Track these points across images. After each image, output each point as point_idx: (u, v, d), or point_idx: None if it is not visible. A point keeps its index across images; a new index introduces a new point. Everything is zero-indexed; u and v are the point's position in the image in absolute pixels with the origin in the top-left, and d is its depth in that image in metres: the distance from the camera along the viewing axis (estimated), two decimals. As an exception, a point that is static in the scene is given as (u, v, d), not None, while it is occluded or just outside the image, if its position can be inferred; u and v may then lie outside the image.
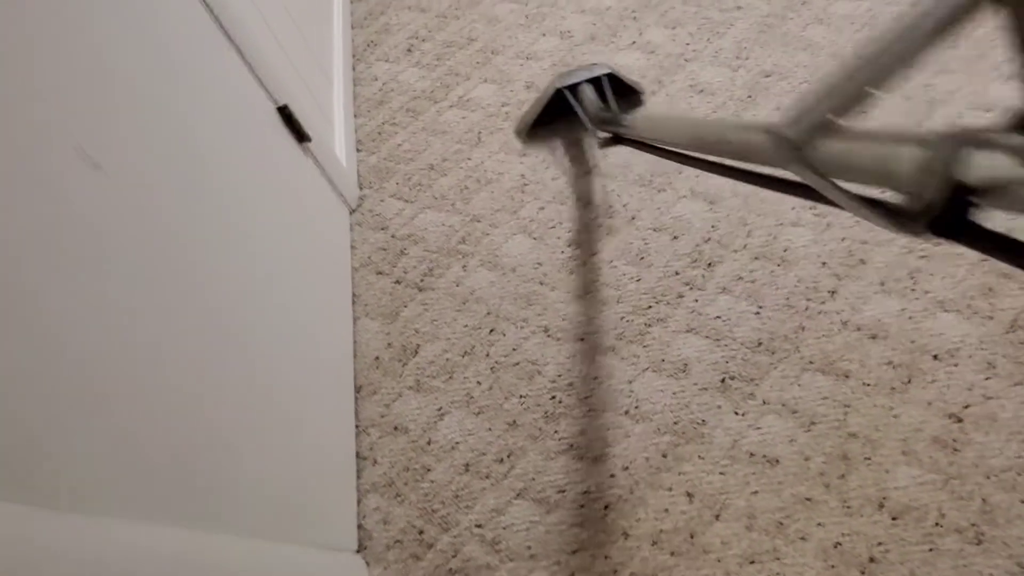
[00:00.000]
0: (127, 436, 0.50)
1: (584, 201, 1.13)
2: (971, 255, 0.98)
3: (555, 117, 1.06)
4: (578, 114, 1.02)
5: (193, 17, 0.77)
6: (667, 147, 0.75)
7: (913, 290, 0.97)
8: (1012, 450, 0.84)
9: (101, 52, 0.58)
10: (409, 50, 1.41)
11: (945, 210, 0.34)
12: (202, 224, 0.69)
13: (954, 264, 0.98)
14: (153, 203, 0.60)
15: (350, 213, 1.20)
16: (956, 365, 0.90)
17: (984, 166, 0.31)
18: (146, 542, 0.50)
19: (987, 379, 0.89)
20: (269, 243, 0.88)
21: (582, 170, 1.17)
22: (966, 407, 0.87)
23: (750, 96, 1.21)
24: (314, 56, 1.23)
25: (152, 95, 0.64)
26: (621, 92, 1.08)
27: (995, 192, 0.31)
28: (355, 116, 1.33)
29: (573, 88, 1.06)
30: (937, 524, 0.81)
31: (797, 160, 0.40)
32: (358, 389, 1.02)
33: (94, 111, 0.54)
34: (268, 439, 0.75)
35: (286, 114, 0.96)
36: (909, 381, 0.90)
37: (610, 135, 0.91)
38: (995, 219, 0.31)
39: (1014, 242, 0.33)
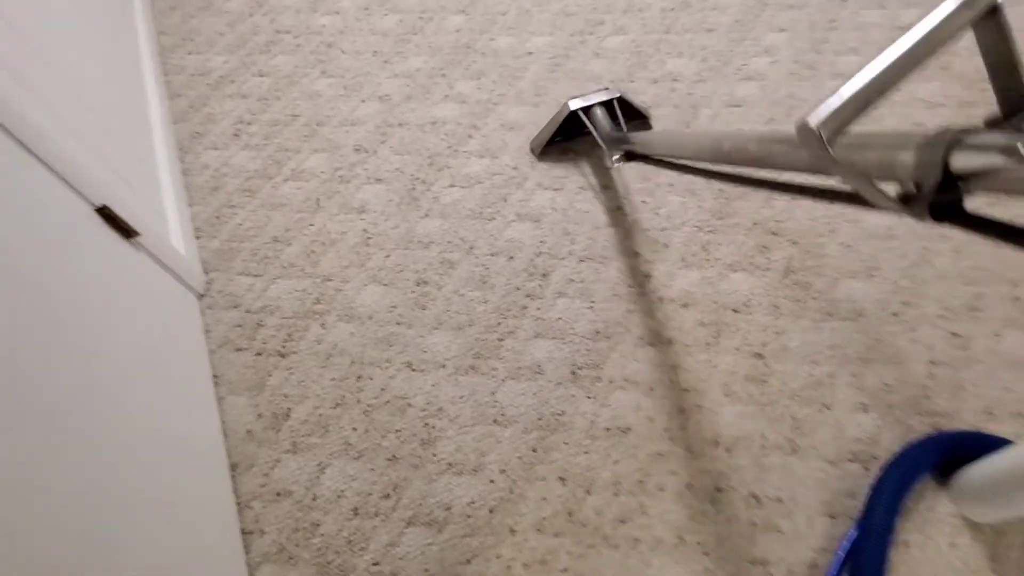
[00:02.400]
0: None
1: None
2: (745, 222, 1.18)
3: (568, 136, 1.28)
4: (592, 134, 1.19)
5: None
6: (683, 161, 0.86)
7: (707, 260, 1.14)
8: (804, 371, 1.01)
9: None
10: (236, 135, 1.45)
11: (942, 197, 0.41)
12: (32, 339, 0.69)
13: (734, 232, 1.17)
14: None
15: (199, 298, 1.20)
16: (751, 314, 1.08)
17: (970, 158, 0.39)
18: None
19: (776, 319, 1.07)
20: (109, 343, 0.87)
21: (600, 184, 1.27)
22: (764, 345, 1.04)
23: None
24: (135, 154, 1.25)
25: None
26: (629, 115, 1.26)
27: (980, 178, 0.39)
28: (190, 205, 1.35)
29: (586, 110, 1.22)
30: (762, 446, 0.95)
31: (827, 156, 0.45)
32: (234, 467, 1.02)
33: None
34: (142, 538, 0.74)
35: (107, 214, 0.98)
36: (718, 335, 1.06)
37: (624, 153, 1.06)
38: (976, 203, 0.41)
39: (997, 223, 0.41)
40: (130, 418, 0.84)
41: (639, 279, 1.14)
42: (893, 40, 0.45)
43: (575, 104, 1.24)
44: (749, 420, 0.98)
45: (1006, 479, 0.80)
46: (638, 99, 1.32)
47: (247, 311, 1.18)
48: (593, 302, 1.12)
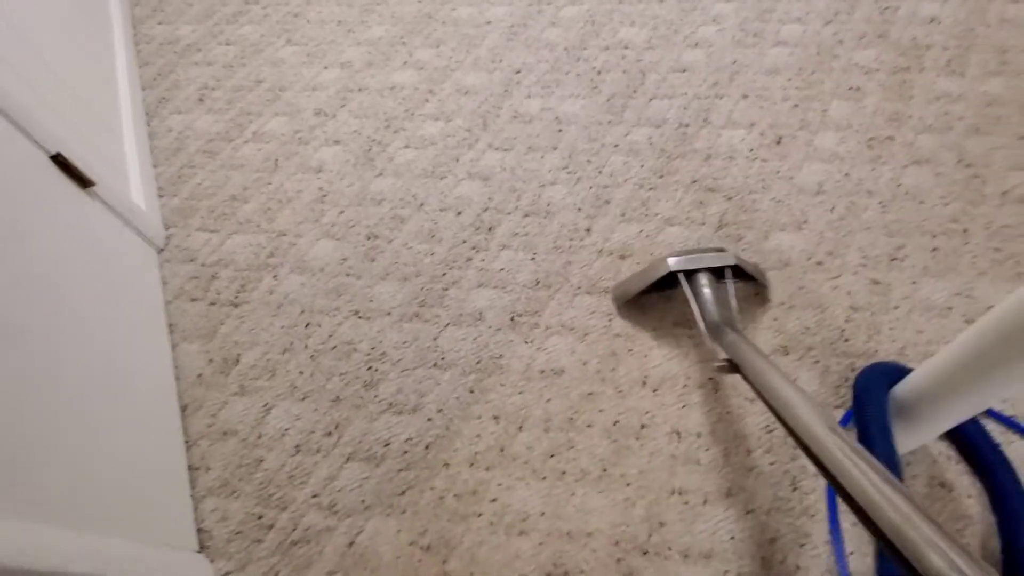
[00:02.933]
0: None
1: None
2: (684, 179, 1.23)
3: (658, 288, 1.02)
4: (692, 310, 0.95)
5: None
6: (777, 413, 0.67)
7: (646, 215, 1.19)
8: (731, 316, 1.05)
9: None
10: (201, 99, 1.49)
11: None
12: None
13: (673, 189, 1.21)
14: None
15: (158, 252, 1.25)
16: (684, 263, 1.12)
17: None
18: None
19: (757, 291, 1.11)
20: (65, 285, 0.91)
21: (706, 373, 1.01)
22: (740, 311, 1.08)
23: (506, 90, 1.42)
24: (101, 118, 1.28)
25: None
26: (739, 275, 1.02)
27: None
28: (154, 166, 1.38)
29: (689, 273, 0.97)
30: (685, 385, 1.00)
31: None
32: (184, 408, 1.06)
33: None
34: (92, 468, 0.79)
35: (61, 161, 1.01)
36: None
37: (727, 361, 0.83)
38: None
39: None
40: (86, 359, 0.88)
41: (580, 232, 1.18)
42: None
43: (675, 264, 0.99)
44: (675, 362, 1.02)
45: (906, 405, 0.84)
46: (751, 261, 1.08)
47: (203, 264, 1.22)
48: (535, 254, 1.17)
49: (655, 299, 1.08)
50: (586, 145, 1.30)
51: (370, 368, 1.07)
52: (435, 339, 1.09)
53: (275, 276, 1.19)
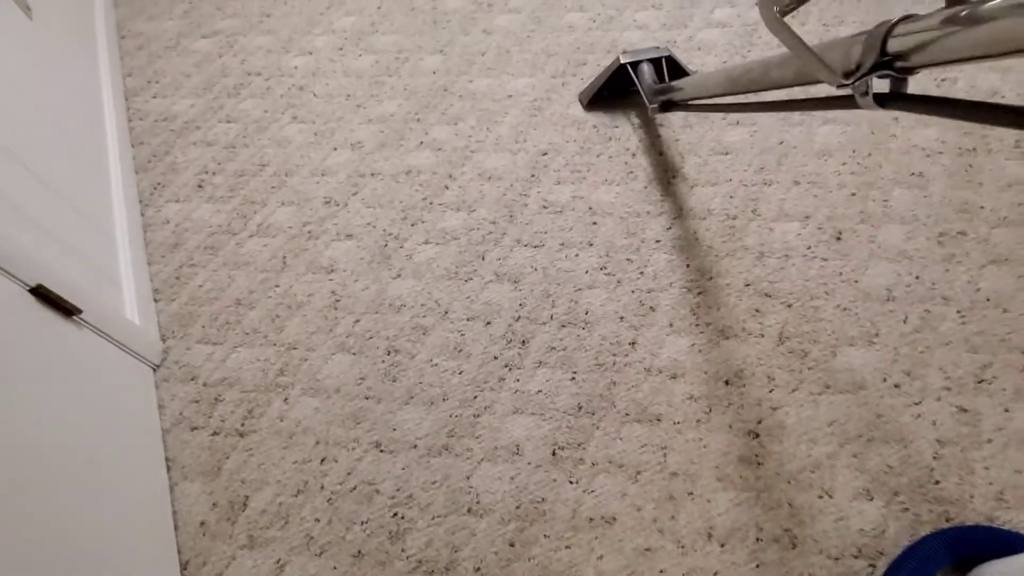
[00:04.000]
0: None
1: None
2: (736, 282, 1.11)
3: (614, 91, 1.35)
4: (638, 87, 1.27)
5: None
6: (709, 102, 0.95)
7: (697, 325, 1.07)
8: (802, 451, 0.94)
9: None
10: (200, 186, 1.38)
11: (883, 81, 0.50)
12: None
13: (724, 294, 1.10)
14: None
15: (154, 370, 1.12)
16: (744, 386, 1.00)
17: (905, 40, 0.47)
18: None
19: (770, 392, 0.99)
20: (49, 430, 0.79)
21: (646, 138, 1.32)
22: (759, 422, 0.97)
23: (533, 175, 1.31)
24: (88, 215, 1.17)
25: None
26: (676, 73, 1.33)
27: (918, 53, 0.46)
28: (149, 264, 1.27)
29: (634, 64, 1.30)
30: (758, 539, 0.88)
31: (777, 23, 0.58)
32: (184, 565, 0.93)
33: None
34: None
35: (42, 294, 0.90)
36: (710, 411, 0.99)
37: (661, 103, 1.14)
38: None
39: (939, 98, 0.48)
40: (72, 512, 0.76)
41: (624, 347, 1.06)
42: None
43: (625, 58, 1.31)
44: (744, 509, 0.90)
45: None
46: (685, 60, 1.38)
47: (205, 384, 1.10)
48: (575, 372, 1.05)
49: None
50: (624, 241, 1.19)
51: (395, 515, 0.94)
52: (468, 478, 0.97)
53: (286, 399, 1.07)
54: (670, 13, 1.58)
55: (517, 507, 0.94)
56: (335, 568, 0.91)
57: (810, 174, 1.23)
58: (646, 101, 1.21)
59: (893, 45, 0.48)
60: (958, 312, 1.04)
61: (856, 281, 1.09)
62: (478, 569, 0.89)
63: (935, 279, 1.07)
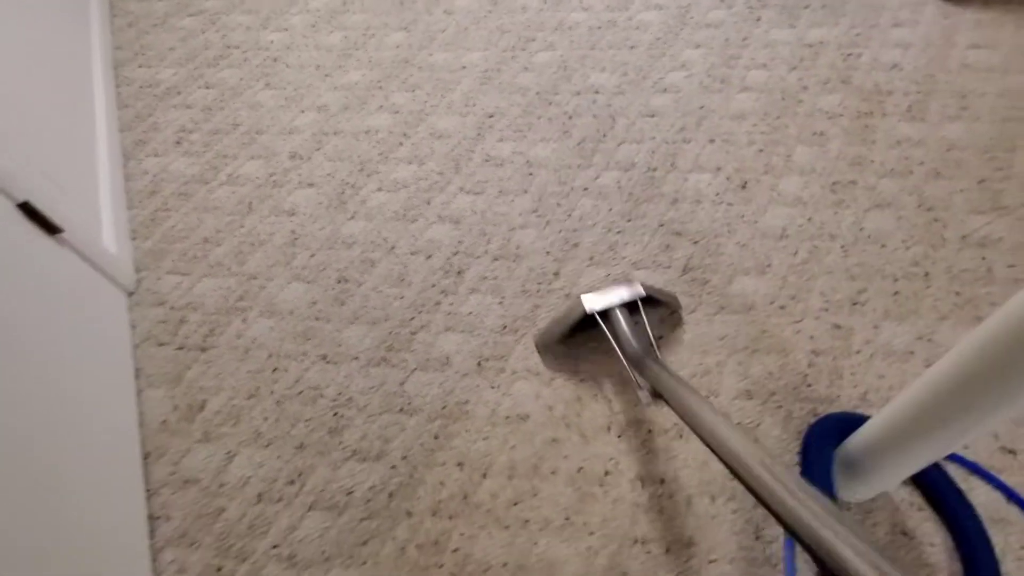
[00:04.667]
0: None
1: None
2: (652, 223, 1.24)
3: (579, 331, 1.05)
4: (613, 345, 1.00)
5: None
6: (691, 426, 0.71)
7: (614, 259, 1.20)
8: (695, 360, 1.06)
9: None
10: (178, 142, 1.51)
11: None
12: None
13: (641, 233, 1.23)
14: None
15: (128, 296, 1.25)
16: (649, 307, 1.13)
17: None
18: None
19: (671, 312, 1.12)
20: (30, 332, 0.91)
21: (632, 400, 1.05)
22: (660, 337, 1.09)
23: (479, 134, 1.44)
24: (75, 160, 1.30)
25: None
26: (654, 306, 1.08)
27: None
28: (128, 209, 1.39)
29: (604, 313, 1.02)
30: (649, 431, 1.00)
31: None
32: (146, 455, 1.05)
33: None
34: (50, 517, 0.78)
35: (28, 209, 1.02)
36: (618, 328, 1.11)
37: (653, 392, 0.88)
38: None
39: None
40: (48, 407, 0.87)
41: (548, 276, 1.19)
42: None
43: (591, 303, 1.03)
44: (640, 407, 1.02)
45: (865, 453, 0.84)
46: (661, 288, 1.12)
47: (172, 307, 1.22)
48: (503, 298, 1.17)
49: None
50: (556, 189, 1.32)
51: (336, 414, 1.06)
52: (402, 384, 1.09)
53: (244, 320, 1.19)
54: (616, -2, 1.73)
55: (443, 408, 1.06)
56: (279, 457, 1.03)
57: (725, 133, 1.37)
58: (634, 383, 0.98)
59: None
60: (841, 247, 1.17)
61: (755, 222, 1.22)
62: (405, 457, 1.01)
63: (824, 220, 1.21)
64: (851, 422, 0.89)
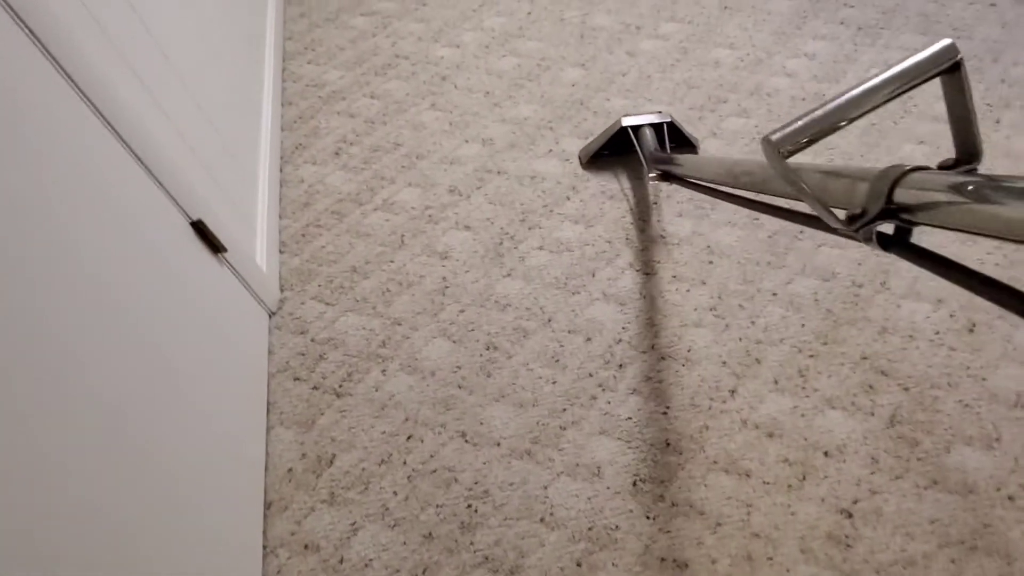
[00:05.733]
0: (29, 536, 0.47)
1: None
2: (852, 352, 1.07)
3: (616, 150, 1.36)
4: (637, 151, 1.28)
5: (98, 141, 0.79)
6: (707, 184, 0.94)
7: (803, 388, 1.04)
8: (897, 543, 0.89)
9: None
10: (337, 153, 1.46)
11: (887, 224, 0.47)
12: (102, 339, 0.68)
13: (839, 362, 1.06)
14: (55, 324, 0.60)
15: (270, 316, 1.20)
16: (844, 461, 0.97)
17: (913, 193, 0.45)
18: None
19: (872, 474, 0.95)
20: (180, 352, 0.86)
21: (639, 200, 1.32)
22: (855, 502, 0.93)
23: (655, 203, 1.31)
24: (239, 161, 1.26)
25: (51, 216, 0.65)
26: (677, 140, 1.36)
27: (924, 212, 0.44)
28: (280, 217, 1.35)
29: (636, 128, 1.31)
30: (836, 624, 0.84)
31: (781, 167, 0.52)
32: (268, 505, 0.99)
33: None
34: (164, 554, 0.72)
35: (200, 228, 0.97)
36: (804, 478, 0.96)
37: (661, 172, 1.11)
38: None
39: (939, 257, 0.46)
40: (183, 432, 0.82)
41: (723, 392, 1.05)
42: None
43: (627, 121, 1.31)
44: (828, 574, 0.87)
45: None
46: (689, 128, 1.40)
47: (313, 339, 1.16)
48: (668, 408, 1.04)
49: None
50: (739, 287, 1.17)
51: (470, 507, 0.97)
52: (545, 488, 0.98)
53: (384, 371, 1.11)
54: (822, 64, 1.54)
55: (589, 528, 0.94)
56: (405, 544, 0.94)
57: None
58: (644, 168, 1.23)
59: (900, 196, 0.45)
60: (1097, 437, 0.96)
61: (984, 379, 1.03)
62: (541, 579, 0.90)
63: (1076, 396, 1.00)
64: None
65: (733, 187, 0.80)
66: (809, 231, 1.24)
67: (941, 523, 0.91)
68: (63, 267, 0.66)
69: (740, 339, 1.11)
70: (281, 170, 1.44)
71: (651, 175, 1.14)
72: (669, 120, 1.31)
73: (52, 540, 0.54)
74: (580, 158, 1.39)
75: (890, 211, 0.46)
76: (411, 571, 0.92)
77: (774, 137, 0.51)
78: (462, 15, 1.77)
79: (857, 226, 0.49)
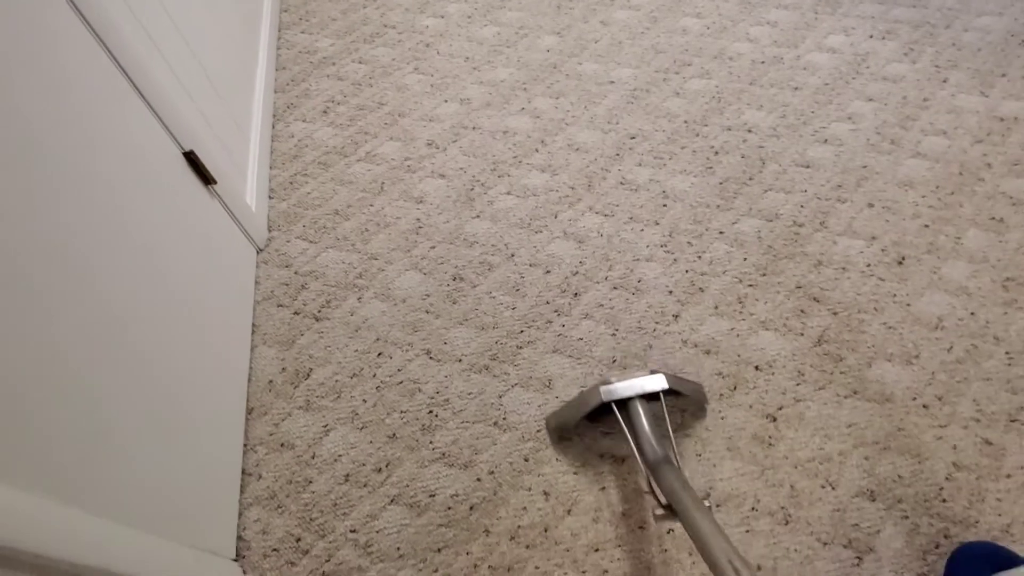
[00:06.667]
0: (31, 417, 0.58)
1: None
2: (789, 282, 1.16)
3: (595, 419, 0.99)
4: (630, 443, 0.89)
5: (99, 69, 0.90)
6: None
7: (740, 313, 1.13)
8: (815, 443, 0.98)
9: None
10: (325, 111, 1.56)
11: None
12: (108, 250, 0.79)
13: (775, 291, 1.15)
14: (65, 236, 0.70)
15: (257, 252, 1.30)
16: (772, 374, 1.05)
17: None
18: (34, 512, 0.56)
19: (797, 385, 1.04)
20: (174, 272, 0.97)
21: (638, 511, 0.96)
22: (780, 408, 1.02)
23: (617, 154, 1.40)
24: (233, 115, 1.37)
25: (53, 137, 0.75)
26: (676, 395, 0.98)
27: None
28: (270, 168, 1.46)
29: (623, 403, 0.92)
30: (753, 508, 0.93)
31: None
32: (250, 411, 1.09)
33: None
34: (157, 446, 0.82)
35: (192, 159, 1.08)
36: (735, 388, 1.04)
37: (669, 507, 0.77)
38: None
39: None
40: (177, 340, 0.92)
41: (667, 317, 1.14)
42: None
43: (609, 393, 0.92)
44: (746, 480, 0.95)
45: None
46: (688, 377, 1.04)
47: (296, 272, 1.26)
48: (616, 330, 1.13)
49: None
50: (689, 226, 1.26)
51: (431, 412, 1.06)
52: (500, 397, 1.07)
53: (359, 298, 1.21)
54: (783, 31, 1.63)
55: (538, 431, 1.03)
56: (371, 443, 1.04)
57: (887, 200, 1.26)
58: (648, 487, 0.89)
59: None
60: (1007, 353, 1.04)
61: (908, 305, 1.11)
62: (492, 472, 0.99)
63: (991, 319, 1.08)
64: (1002, 559, 0.78)
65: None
66: (759, 176, 1.33)
67: (858, 426, 0.99)
68: (80, 188, 0.76)
69: (687, 271, 1.20)
70: (273, 127, 1.55)
71: (658, 511, 0.79)
72: (665, 387, 0.92)
73: (56, 429, 0.65)
74: (549, 433, 1.02)
75: None
76: (375, 465, 1.01)
77: None
78: (448, -11, 1.88)
79: None
